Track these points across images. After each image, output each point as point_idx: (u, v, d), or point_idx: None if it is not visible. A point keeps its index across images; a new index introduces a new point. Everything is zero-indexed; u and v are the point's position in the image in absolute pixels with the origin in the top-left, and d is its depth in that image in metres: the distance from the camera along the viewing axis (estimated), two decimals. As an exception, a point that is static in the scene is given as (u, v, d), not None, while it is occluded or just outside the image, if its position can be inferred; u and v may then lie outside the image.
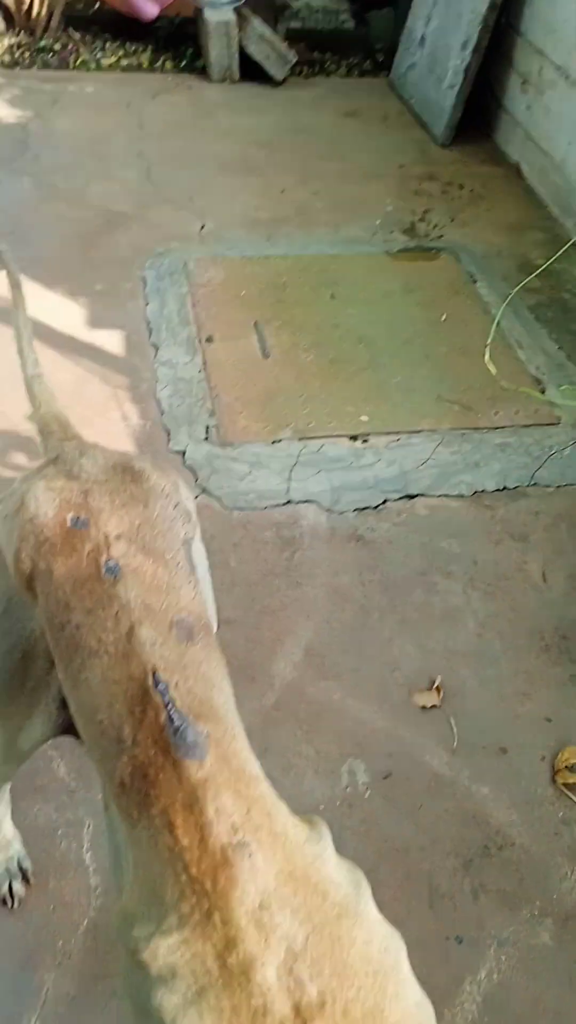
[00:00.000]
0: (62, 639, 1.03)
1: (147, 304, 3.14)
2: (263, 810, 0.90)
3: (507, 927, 1.69)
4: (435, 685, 2.06)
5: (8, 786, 1.60)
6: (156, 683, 0.95)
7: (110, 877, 1.67)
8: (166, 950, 0.82)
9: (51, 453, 1.29)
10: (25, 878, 1.66)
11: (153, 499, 1.15)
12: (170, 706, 0.93)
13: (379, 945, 0.85)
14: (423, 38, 4.59)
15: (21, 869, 1.66)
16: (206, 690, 0.98)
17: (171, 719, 0.92)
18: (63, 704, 1.17)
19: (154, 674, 0.95)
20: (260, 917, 0.81)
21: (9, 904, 1.63)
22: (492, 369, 2.62)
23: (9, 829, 1.66)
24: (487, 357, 2.93)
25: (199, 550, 1.24)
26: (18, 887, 1.64)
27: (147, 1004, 0.83)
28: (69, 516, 1.09)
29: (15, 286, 1.64)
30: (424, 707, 2.03)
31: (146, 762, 0.91)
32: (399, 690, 2.06)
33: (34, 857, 1.69)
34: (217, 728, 0.94)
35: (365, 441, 2.65)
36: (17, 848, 1.67)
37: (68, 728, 1.20)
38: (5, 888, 1.64)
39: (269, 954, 0.79)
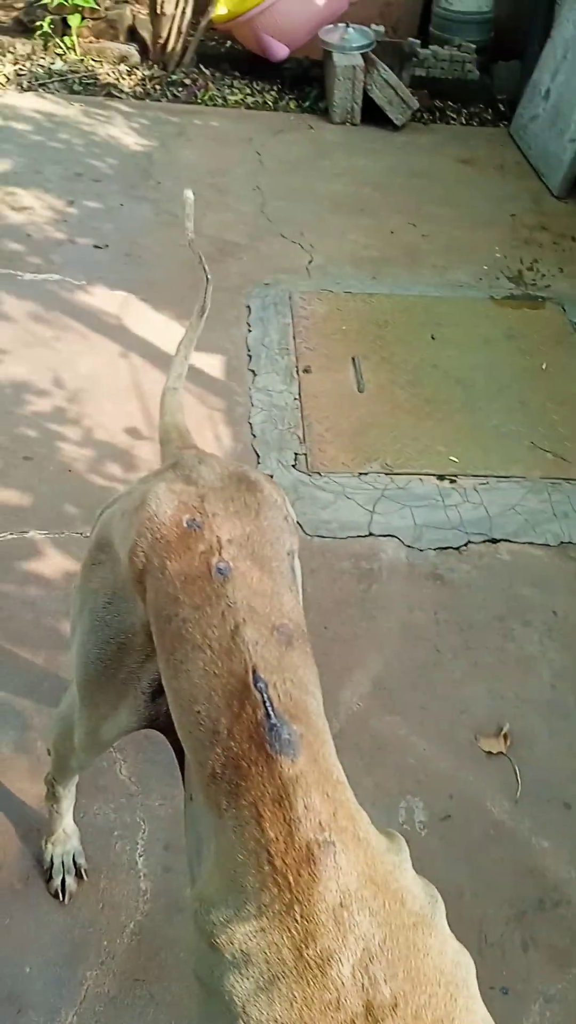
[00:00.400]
0: (168, 631, 1.07)
1: (249, 331, 3.23)
2: (348, 814, 0.93)
3: (555, 983, 1.65)
4: (503, 732, 2.04)
5: (76, 780, 1.65)
6: (256, 681, 0.98)
7: (160, 881, 1.70)
8: (243, 936, 0.86)
9: (170, 459, 1.35)
10: (79, 874, 1.70)
11: (265, 509, 1.19)
12: (268, 704, 0.96)
13: (452, 958, 0.87)
14: (548, 91, 4.62)
15: (76, 865, 1.70)
16: (301, 694, 1.01)
17: (268, 716, 0.95)
18: (151, 698, 1.22)
19: (254, 672, 0.99)
20: (340, 915, 0.84)
21: (61, 898, 1.67)
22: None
23: (70, 824, 1.71)
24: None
25: (296, 564, 1.27)
26: (71, 882, 1.69)
27: (218, 987, 0.86)
28: (185, 517, 1.14)
29: (200, 313, 1.70)
30: (490, 752, 2.00)
31: (240, 755, 0.94)
32: (465, 733, 2.04)
33: (89, 855, 1.73)
34: (309, 731, 0.98)
35: (453, 481, 2.65)
36: (75, 844, 1.72)
37: (153, 722, 1.25)
38: (59, 882, 1.68)
39: (346, 951, 0.82)
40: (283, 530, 1.20)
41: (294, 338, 3.19)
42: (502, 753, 2.01)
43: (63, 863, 1.69)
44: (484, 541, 2.50)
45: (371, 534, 2.46)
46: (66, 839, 1.71)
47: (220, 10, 5.20)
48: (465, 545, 2.48)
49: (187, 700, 1.02)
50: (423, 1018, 0.80)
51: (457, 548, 2.47)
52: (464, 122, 5.15)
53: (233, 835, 0.92)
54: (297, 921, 0.84)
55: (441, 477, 2.66)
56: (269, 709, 0.96)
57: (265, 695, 0.97)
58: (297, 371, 3.03)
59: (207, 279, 1.70)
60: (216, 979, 0.87)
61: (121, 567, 1.18)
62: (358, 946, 0.82)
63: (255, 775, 0.92)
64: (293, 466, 2.64)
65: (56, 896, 1.68)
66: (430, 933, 0.87)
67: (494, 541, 2.50)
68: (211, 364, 3.05)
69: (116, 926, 1.65)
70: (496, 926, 1.73)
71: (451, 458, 2.73)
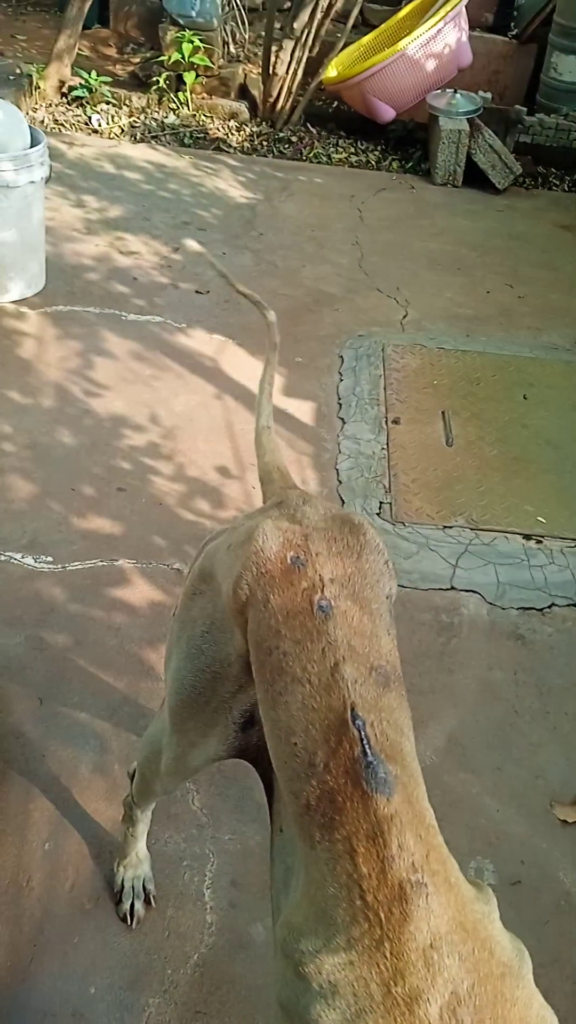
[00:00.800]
0: (268, 663, 1.11)
1: (341, 381, 3.31)
2: (440, 858, 0.94)
3: (623, 1069, 1.61)
4: (579, 800, 2.02)
5: (153, 805, 1.69)
6: (354, 718, 1.00)
7: (226, 915, 1.73)
8: (331, 967, 0.88)
9: (275, 498, 1.41)
10: (147, 900, 1.74)
11: (367, 552, 1.22)
12: (365, 742, 0.98)
13: (537, 1013, 0.88)
14: None
15: (145, 890, 1.74)
16: (397, 735, 1.03)
17: (365, 753, 0.97)
18: (242, 728, 1.26)
19: (353, 709, 1.01)
20: (430, 955, 0.85)
21: (128, 922, 1.70)
22: None
23: (143, 849, 1.75)
24: None
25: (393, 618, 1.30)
26: (139, 907, 1.72)
27: (304, 1015, 0.88)
28: (290, 554, 1.18)
29: (272, 348, 1.76)
30: (565, 821, 1.98)
31: (335, 789, 0.96)
32: (540, 798, 2.02)
33: (157, 882, 1.76)
34: (404, 772, 0.99)
35: (539, 542, 2.66)
36: (145, 869, 1.75)
37: (242, 752, 1.28)
38: (127, 906, 1.72)
39: (434, 992, 0.83)
40: (383, 574, 1.23)
41: (385, 389, 3.26)
42: (578, 822, 1.99)
43: (133, 887, 1.73)
44: (568, 605, 2.49)
45: (453, 588, 2.48)
46: (138, 863, 1.74)
47: (331, 72, 5.42)
48: (549, 607, 2.47)
49: (284, 731, 1.05)
50: None
51: (540, 609, 2.47)
52: (567, 189, 5.22)
53: (325, 868, 0.94)
54: (387, 958, 0.85)
55: (527, 537, 2.67)
56: (366, 747, 0.98)
57: (363, 732, 0.99)
58: (386, 421, 3.09)
59: (268, 318, 1.75)
60: (302, 1007, 0.89)
61: (222, 598, 1.22)
62: (446, 988, 0.83)
63: (350, 810, 0.94)
64: (377, 514, 2.69)
65: (124, 920, 1.71)
66: (518, 984, 0.88)
67: (579, 605, 2.49)
68: (302, 410, 3.13)
69: (180, 956, 1.68)
70: (561, 1000, 1.66)
71: (538, 518, 2.74)
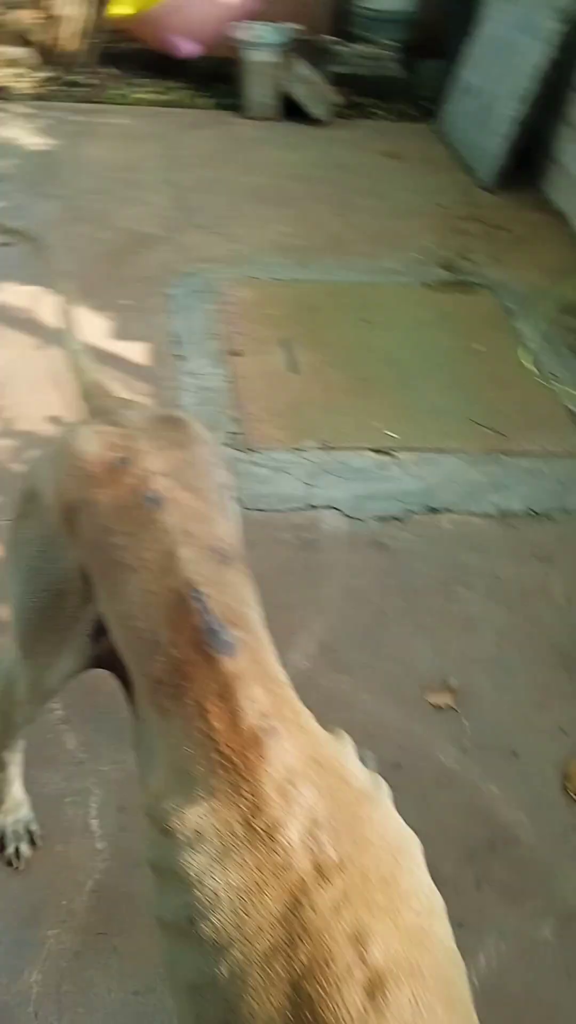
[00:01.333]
0: (103, 559, 1.21)
1: (174, 319, 3.44)
2: (291, 708, 1.08)
3: (508, 919, 1.83)
4: (449, 686, 2.25)
5: (22, 745, 1.78)
6: (194, 592, 1.12)
7: (117, 839, 1.85)
8: (194, 817, 0.99)
9: (95, 409, 1.50)
10: (32, 841, 1.83)
11: (194, 445, 1.34)
12: (206, 612, 1.10)
13: (396, 831, 1.02)
14: (473, 87, 4.98)
15: (29, 832, 1.83)
16: (239, 605, 1.15)
17: (206, 620, 1.09)
18: (94, 637, 1.34)
19: (191, 585, 1.13)
20: (286, 789, 0.98)
21: (15, 865, 1.79)
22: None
23: (19, 792, 1.83)
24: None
25: (234, 507, 1.39)
26: (25, 849, 1.81)
27: (172, 867, 0.99)
28: (112, 455, 1.27)
29: (51, 275, 1.84)
30: (438, 706, 2.21)
31: (182, 659, 1.08)
32: (412, 688, 2.24)
33: (41, 823, 1.85)
34: (249, 636, 1.12)
35: (391, 455, 2.89)
36: (25, 812, 1.84)
37: (99, 662, 1.38)
38: (12, 849, 1.80)
39: (292, 819, 0.96)
40: (213, 464, 1.35)
41: (221, 324, 3.41)
42: (450, 707, 2.21)
43: (15, 831, 1.82)
44: (425, 511, 2.73)
45: (311, 506, 2.67)
46: (16, 807, 1.83)
47: (120, 9, 5.47)
48: (406, 515, 2.71)
49: (126, 618, 1.15)
50: (369, 877, 0.93)
51: (398, 518, 2.69)
52: (388, 118, 5.51)
53: (180, 732, 1.05)
54: (245, 798, 0.97)
55: (379, 451, 2.90)
56: (207, 615, 1.09)
57: (203, 604, 1.10)
58: (227, 355, 3.25)
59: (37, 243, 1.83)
60: (171, 860, 0.99)
61: (51, 513, 1.29)
62: (304, 815, 0.96)
63: (197, 675, 1.06)
64: (227, 444, 2.84)
65: (10, 864, 1.79)
66: (374, 808, 1.02)
67: (435, 511, 2.73)
68: (135, 351, 3.23)
69: (74, 885, 1.78)
70: (448, 865, 1.91)
71: (387, 432, 2.96)
